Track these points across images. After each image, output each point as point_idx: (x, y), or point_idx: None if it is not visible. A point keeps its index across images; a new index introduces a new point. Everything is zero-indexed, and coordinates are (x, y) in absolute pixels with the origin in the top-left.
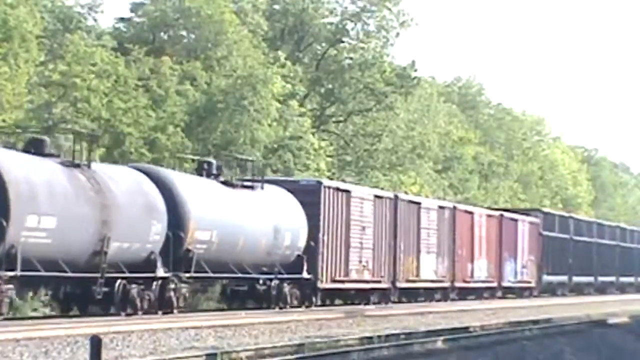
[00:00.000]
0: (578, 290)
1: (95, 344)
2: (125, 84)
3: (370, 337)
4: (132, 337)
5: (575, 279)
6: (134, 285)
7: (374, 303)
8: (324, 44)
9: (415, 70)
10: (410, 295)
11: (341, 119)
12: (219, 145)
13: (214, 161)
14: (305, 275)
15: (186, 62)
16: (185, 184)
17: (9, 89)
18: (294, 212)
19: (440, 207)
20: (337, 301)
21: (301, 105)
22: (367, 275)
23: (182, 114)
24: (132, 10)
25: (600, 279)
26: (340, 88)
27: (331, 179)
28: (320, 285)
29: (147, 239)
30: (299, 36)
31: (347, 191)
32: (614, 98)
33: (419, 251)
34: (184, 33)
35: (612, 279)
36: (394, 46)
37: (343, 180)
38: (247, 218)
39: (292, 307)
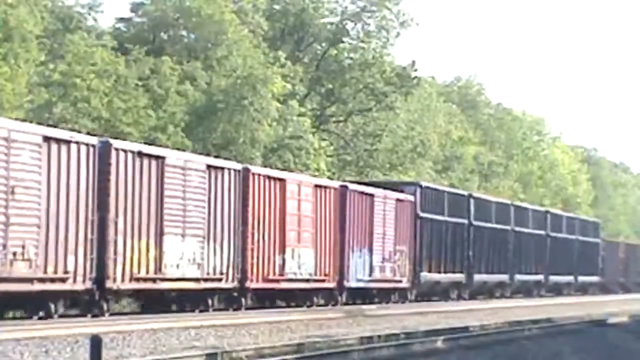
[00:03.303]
0: (488, 291)
1: (95, 344)
2: (125, 84)
3: (370, 337)
4: (132, 337)
5: (478, 277)
6: None
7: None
8: (324, 44)
9: (415, 70)
10: (151, 301)
11: (341, 118)
12: (219, 145)
13: None
14: None
15: (186, 62)
16: None
17: (9, 89)
18: None
19: (216, 168)
20: None
21: (301, 105)
22: (24, 270)
23: (182, 114)
24: (132, 10)
25: (520, 277)
26: (340, 88)
27: (331, 179)
28: None
29: None
30: (299, 36)
31: None
32: (614, 98)
33: (161, 233)
34: (184, 33)
35: (538, 277)
36: (394, 46)
37: (343, 180)
38: None
39: None
